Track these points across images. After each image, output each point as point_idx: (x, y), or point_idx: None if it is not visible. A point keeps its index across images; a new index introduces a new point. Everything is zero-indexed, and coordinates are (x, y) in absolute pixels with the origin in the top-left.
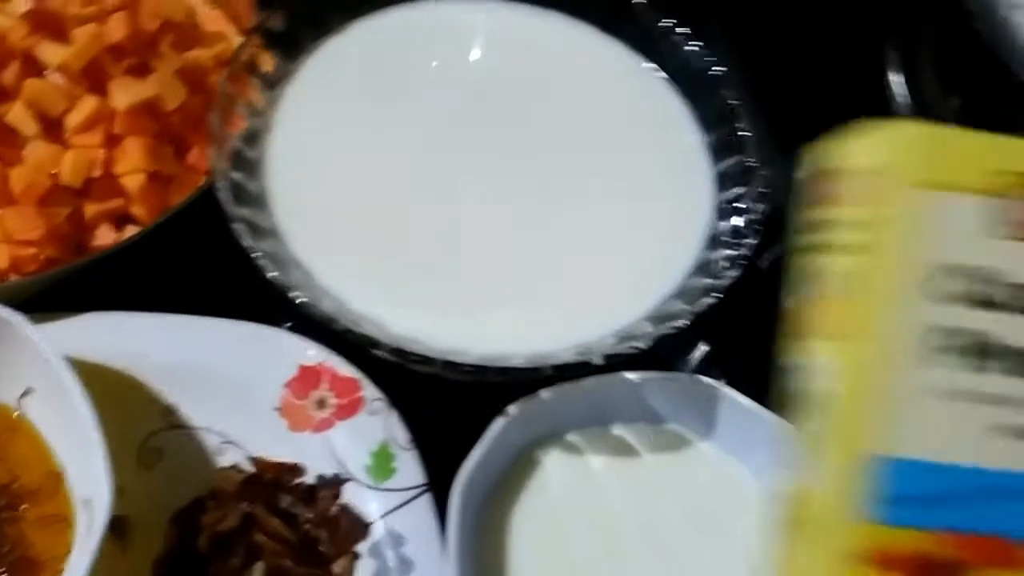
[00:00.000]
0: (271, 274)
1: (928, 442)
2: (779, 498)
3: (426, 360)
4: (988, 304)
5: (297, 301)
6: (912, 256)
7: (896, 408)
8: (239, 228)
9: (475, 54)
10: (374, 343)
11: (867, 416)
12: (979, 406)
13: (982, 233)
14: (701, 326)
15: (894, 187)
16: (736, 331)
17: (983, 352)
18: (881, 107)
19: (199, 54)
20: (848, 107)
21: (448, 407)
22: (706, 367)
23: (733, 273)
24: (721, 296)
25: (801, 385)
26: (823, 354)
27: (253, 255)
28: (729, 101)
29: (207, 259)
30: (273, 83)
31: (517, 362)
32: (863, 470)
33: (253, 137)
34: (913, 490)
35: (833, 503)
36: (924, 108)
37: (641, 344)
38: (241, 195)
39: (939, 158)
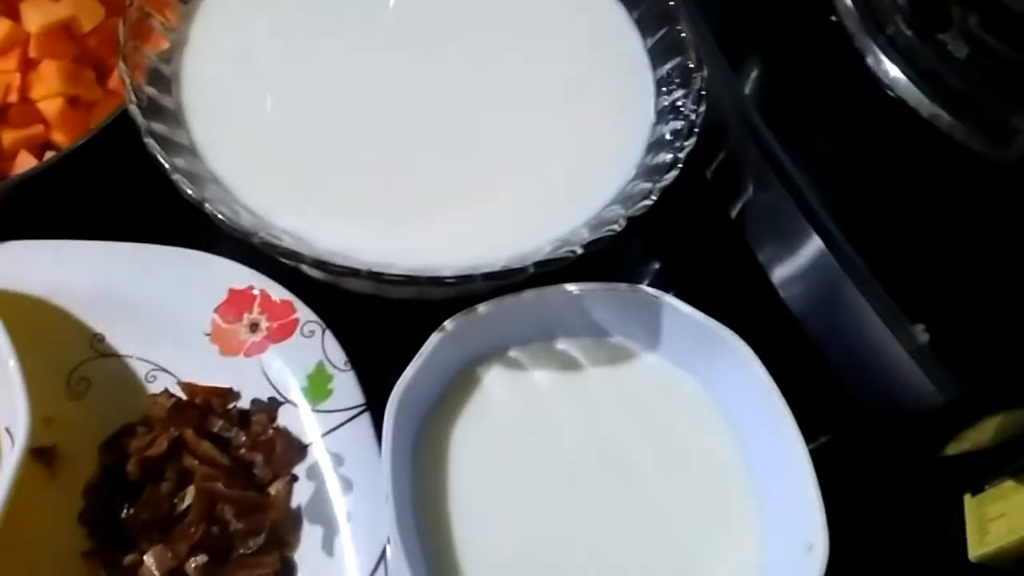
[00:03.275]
0: (187, 190)
1: None
2: None
3: (352, 272)
4: None
5: (216, 216)
6: None
7: None
8: (151, 143)
9: None
10: (296, 255)
11: None
12: None
13: None
14: (652, 243)
15: None
16: (685, 243)
17: None
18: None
19: None
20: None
21: (387, 327)
22: (661, 284)
23: (672, 176)
24: (655, 199)
25: None
26: None
27: (168, 171)
28: (669, 2)
29: (133, 184)
30: None
31: (448, 272)
32: None
33: (169, 53)
34: None
35: None
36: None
37: (577, 249)
38: (156, 111)
39: None
